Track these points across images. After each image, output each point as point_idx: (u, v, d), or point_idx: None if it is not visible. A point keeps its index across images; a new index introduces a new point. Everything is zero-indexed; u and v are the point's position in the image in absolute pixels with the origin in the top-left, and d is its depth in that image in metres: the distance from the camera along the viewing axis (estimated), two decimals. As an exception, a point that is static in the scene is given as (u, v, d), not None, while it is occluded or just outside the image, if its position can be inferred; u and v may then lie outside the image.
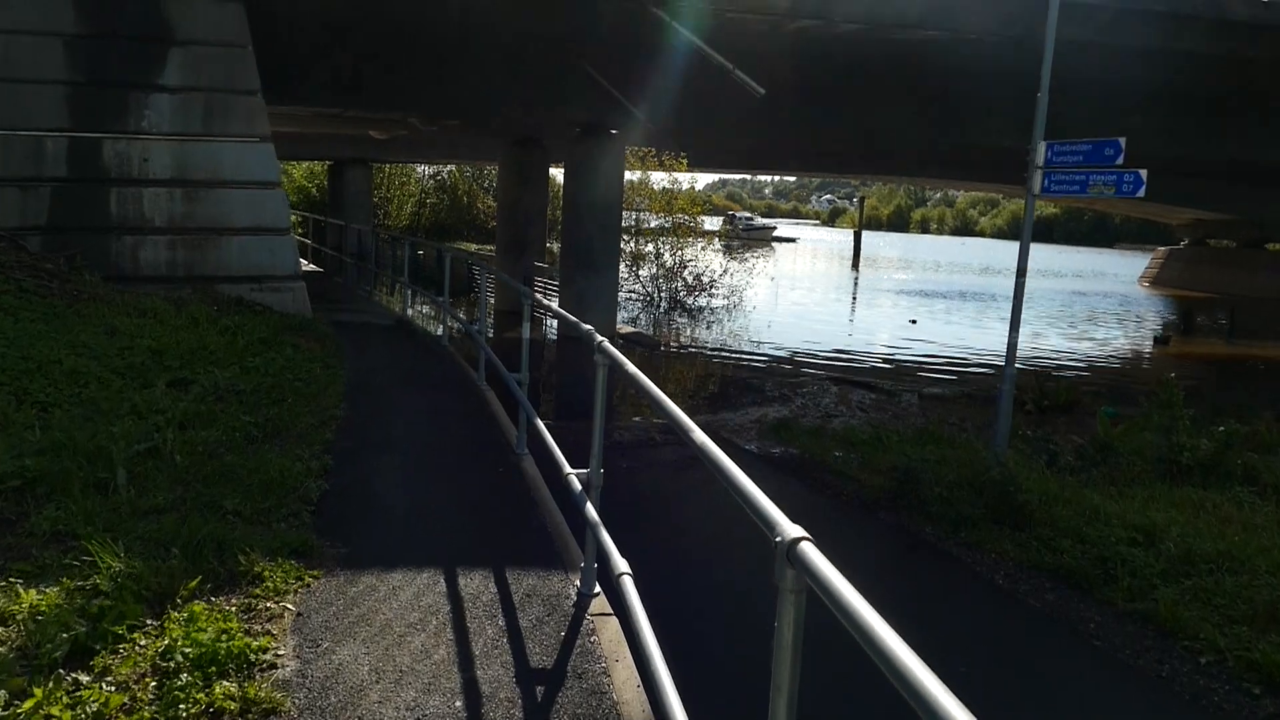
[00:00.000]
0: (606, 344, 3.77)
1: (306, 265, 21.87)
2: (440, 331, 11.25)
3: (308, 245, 25.63)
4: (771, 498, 1.96)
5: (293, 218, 45.54)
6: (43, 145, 10.49)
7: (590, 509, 3.61)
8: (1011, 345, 8.94)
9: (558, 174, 33.04)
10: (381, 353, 9.75)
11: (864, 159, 33.27)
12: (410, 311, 19.48)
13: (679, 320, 24.48)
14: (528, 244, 22.32)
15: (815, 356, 18.93)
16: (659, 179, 26.04)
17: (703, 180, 30.25)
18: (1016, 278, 8.92)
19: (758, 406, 13.47)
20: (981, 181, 36.39)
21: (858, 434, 11.38)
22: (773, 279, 30.29)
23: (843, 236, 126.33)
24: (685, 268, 26.51)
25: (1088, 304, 35.99)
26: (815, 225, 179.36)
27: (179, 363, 7.79)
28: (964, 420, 13.02)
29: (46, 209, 10.49)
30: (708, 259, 27.35)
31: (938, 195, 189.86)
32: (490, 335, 21.91)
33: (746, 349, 19.78)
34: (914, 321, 25.67)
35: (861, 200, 71.80)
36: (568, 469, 4.07)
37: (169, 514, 4.62)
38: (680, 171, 25.90)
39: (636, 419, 12.13)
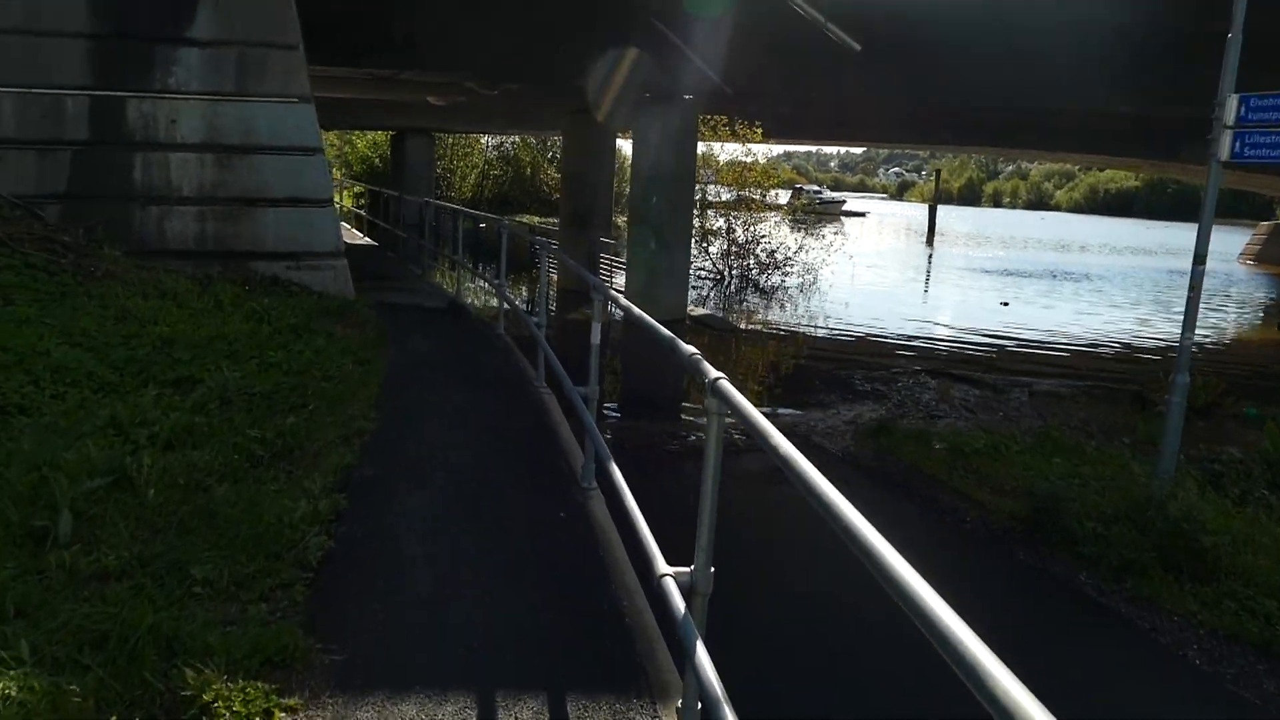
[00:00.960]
0: (725, 384, 2.46)
1: (361, 239, 20.84)
2: (498, 308, 9.90)
3: (364, 218, 24.66)
4: (880, 524, 1.59)
5: (356, 189, 45.06)
6: (62, 104, 9.43)
7: (700, 656, 2.28)
8: (1184, 348, 7.37)
9: (625, 145, 31.72)
10: (428, 343, 8.53)
11: (952, 127, 31.29)
12: (470, 286, 18.31)
13: (751, 300, 23.04)
14: (593, 218, 21.05)
15: (903, 343, 17.37)
16: (731, 150, 24.55)
17: (733, 149, 28.39)
18: (1194, 264, 7.33)
19: (849, 404, 12.03)
20: (1080, 152, 33.98)
21: (970, 440, 9.89)
22: (851, 257, 28.61)
23: (913, 210, 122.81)
24: (758, 244, 24.99)
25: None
26: (883, 199, 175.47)
27: (190, 355, 6.64)
28: (1087, 423, 11.43)
29: (66, 175, 9.44)
30: (781, 235, 25.76)
31: (1010, 168, 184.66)
32: (553, 310, 20.68)
33: (826, 333, 18.29)
34: (1006, 304, 23.86)
35: (937, 173, 69.00)
36: (662, 569, 2.74)
37: (118, 583, 3.43)
38: (755, 142, 24.35)
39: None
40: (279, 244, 9.77)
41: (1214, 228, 7.58)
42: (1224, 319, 24.77)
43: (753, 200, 24.61)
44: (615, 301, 4.68)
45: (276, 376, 6.41)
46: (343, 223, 26.80)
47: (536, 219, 50.61)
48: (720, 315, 18.42)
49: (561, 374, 5.59)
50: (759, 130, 23.76)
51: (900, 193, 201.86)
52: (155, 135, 9.51)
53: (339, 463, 4.93)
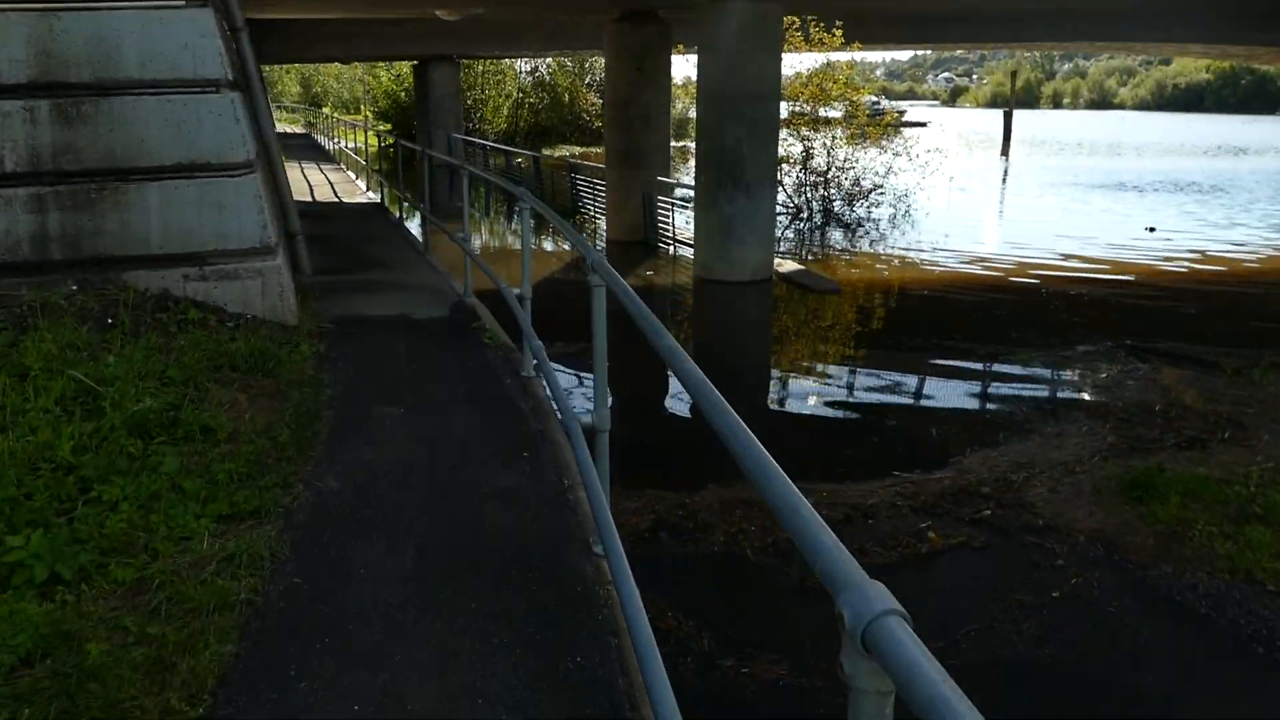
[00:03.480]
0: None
1: (360, 196, 17.07)
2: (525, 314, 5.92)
3: (362, 166, 20.77)
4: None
5: (382, 127, 41.40)
6: None
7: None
8: None
9: (681, 63, 27.54)
10: (398, 427, 4.76)
11: (1045, 16, 26.85)
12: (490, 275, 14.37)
13: (835, 239, 19.09)
14: (646, 154, 17.09)
15: (1053, 290, 13.30)
16: (807, 60, 20.38)
17: (807, 60, 23.64)
18: None
19: (1047, 417, 8.18)
20: (1191, 41, 28.85)
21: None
22: (951, 179, 24.25)
23: (971, 117, 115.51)
24: (844, 171, 20.85)
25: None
26: (933, 105, 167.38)
27: None
28: None
29: None
30: (868, 157, 21.54)
31: (1067, 66, 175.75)
32: (602, 245, 16.77)
33: (949, 283, 14.35)
34: (1152, 229, 19.55)
35: (1013, 75, 62.81)
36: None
37: None
38: (834, 48, 20.10)
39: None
40: (169, 240, 6.08)
41: None
42: None
43: (835, 118, 20.45)
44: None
45: (7, 615, 2.77)
46: (348, 173, 22.96)
47: (577, 149, 46.44)
48: (815, 272, 14.48)
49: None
50: (838, 34, 19.53)
51: (953, 98, 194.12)
52: (-48, 74, 5.82)
53: None
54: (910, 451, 7.54)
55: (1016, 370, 9.62)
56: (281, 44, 30.67)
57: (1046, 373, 9.48)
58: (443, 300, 7.57)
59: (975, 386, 9.31)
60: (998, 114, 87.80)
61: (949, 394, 9.01)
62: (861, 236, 19.22)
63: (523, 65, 48.02)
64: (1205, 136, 61.42)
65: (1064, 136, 64.19)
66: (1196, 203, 24.75)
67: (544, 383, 4.47)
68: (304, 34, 29.96)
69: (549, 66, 48.81)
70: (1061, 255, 16.76)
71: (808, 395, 9.19)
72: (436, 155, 9.09)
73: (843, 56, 21.62)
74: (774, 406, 8.93)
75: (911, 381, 9.48)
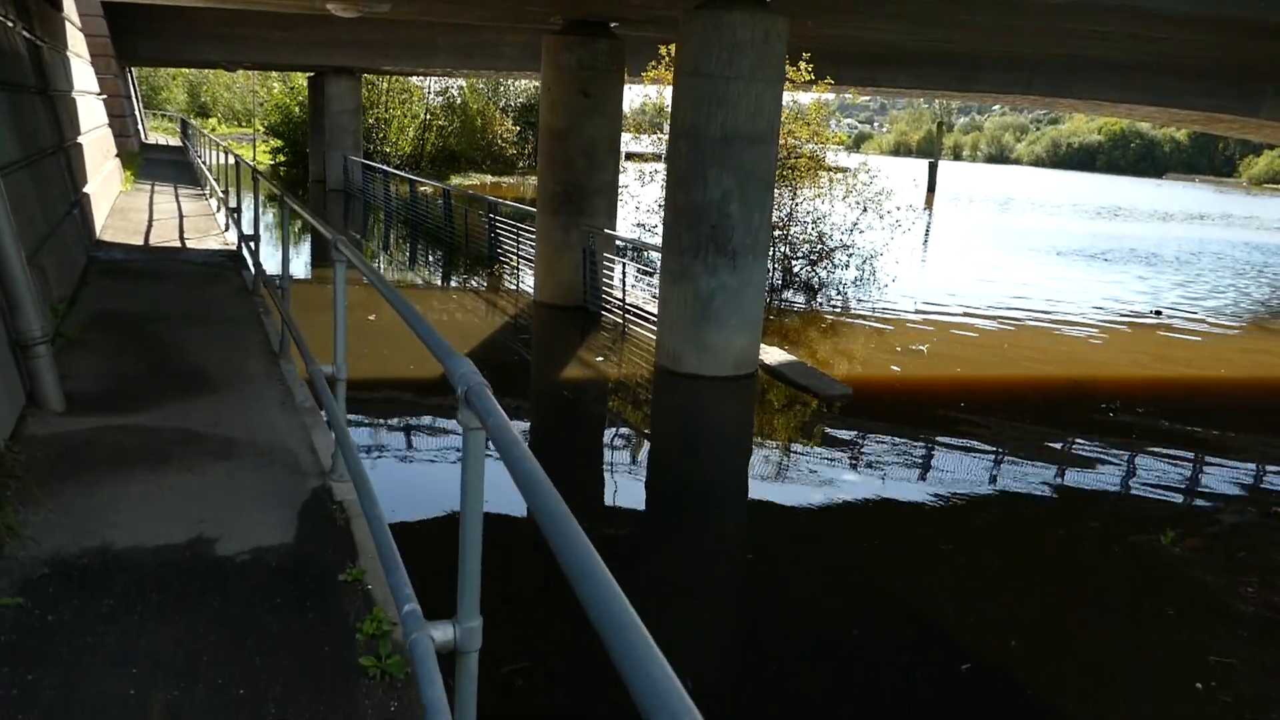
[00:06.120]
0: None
1: (215, 238, 13.20)
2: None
3: (224, 201, 16.75)
4: None
5: (273, 144, 36.98)
6: None
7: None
8: None
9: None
10: None
11: (991, 68, 25.18)
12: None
13: (798, 304, 16.21)
14: (589, 197, 13.79)
15: (1117, 405, 10.38)
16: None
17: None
18: None
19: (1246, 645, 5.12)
20: (1147, 104, 26.99)
21: None
22: (925, 243, 21.56)
23: (878, 164, 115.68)
24: (806, 228, 17.96)
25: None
26: (837, 151, 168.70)
27: None
28: None
29: None
30: (838, 211, 18.73)
31: (964, 120, 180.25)
32: (525, 327, 13.34)
33: (979, 381, 11.48)
34: (1158, 313, 17.14)
35: (939, 124, 61.86)
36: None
37: None
38: (801, 83, 17.17)
39: None
40: None
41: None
42: None
43: (803, 161, 17.52)
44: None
45: None
46: (209, 202, 18.85)
47: (489, 178, 42.94)
48: (811, 366, 11.31)
49: None
50: (806, 68, 16.66)
51: (857, 145, 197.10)
52: None
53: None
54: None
55: (1143, 543, 6.58)
56: (155, 43, 26.63)
57: (1192, 571, 6.43)
58: (290, 487, 4.04)
59: (1137, 590, 6.21)
60: (903, 161, 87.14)
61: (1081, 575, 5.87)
62: (830, 303, 16.43)
63: (432, 85, 44.38)
64: (1123, 198, 61.31)
65: (979, 190, 63.12)
66: (1174, 278, 22.66)
67: None
68: (179, 33, 25.96)
69: (460, 89, 45.29)
70: (1042, 324, 14.12)
71: (899, 623, 5.91)
72: (306, 216, 5.47)
73: (804, 98, 18.76)
74: (837, 639, 5.61)
75: (1019, 577, 6.32)
